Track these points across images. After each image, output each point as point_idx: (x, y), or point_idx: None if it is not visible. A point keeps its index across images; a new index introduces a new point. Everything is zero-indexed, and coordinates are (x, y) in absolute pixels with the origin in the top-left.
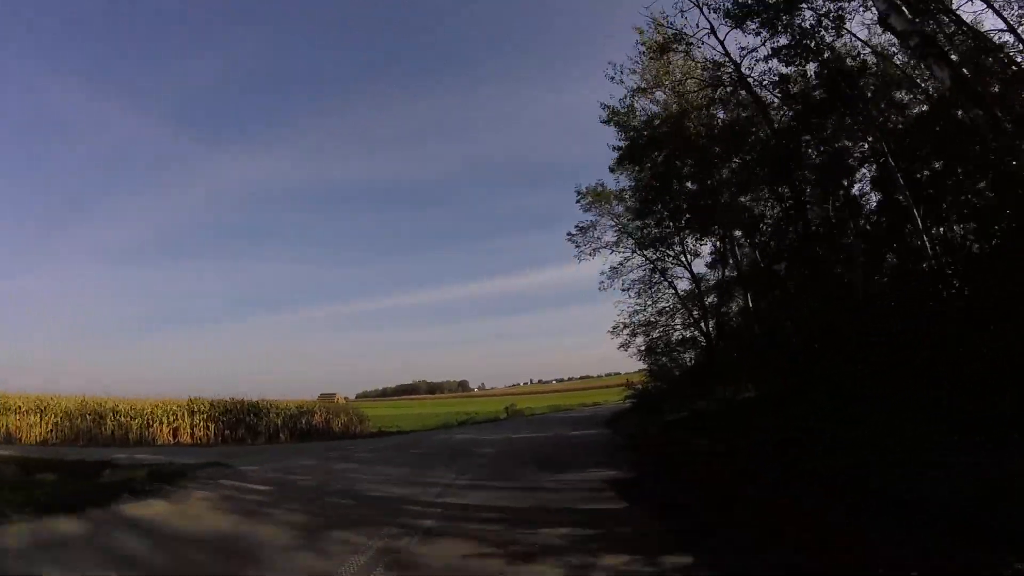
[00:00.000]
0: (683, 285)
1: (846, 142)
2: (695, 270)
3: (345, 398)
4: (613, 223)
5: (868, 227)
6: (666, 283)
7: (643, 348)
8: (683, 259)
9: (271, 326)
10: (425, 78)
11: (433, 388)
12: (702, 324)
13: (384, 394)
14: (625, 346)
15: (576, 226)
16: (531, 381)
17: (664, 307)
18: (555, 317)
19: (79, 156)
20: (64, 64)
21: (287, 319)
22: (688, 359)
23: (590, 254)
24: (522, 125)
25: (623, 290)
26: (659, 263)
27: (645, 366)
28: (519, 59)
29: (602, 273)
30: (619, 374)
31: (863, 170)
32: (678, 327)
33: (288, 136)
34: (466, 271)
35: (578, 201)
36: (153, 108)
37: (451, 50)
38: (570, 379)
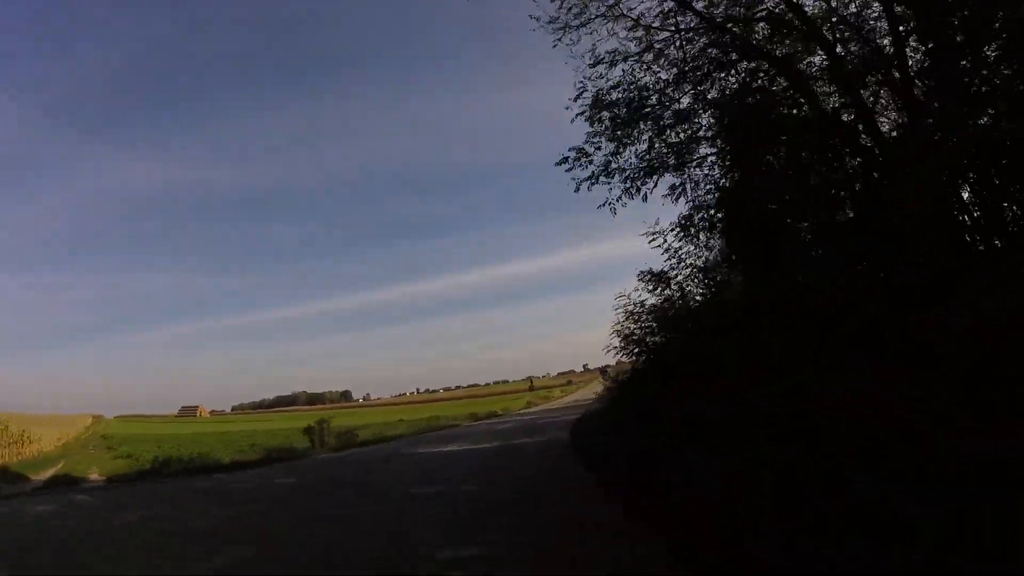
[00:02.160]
0: None
1: None
2: None
3: (211, 412)
4: None
5: None
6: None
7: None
8: None
9: (143, 339)
10: (309, 82)
11: (314, 399)
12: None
13: (261, 406)
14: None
15: None
16: (418, 390)
17: None
18: (440, 327)
19: None
20: None
21: (161, 333)
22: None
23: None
24: (410, 131)
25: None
26: None
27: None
28: (405, 62)
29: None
30: (507, 382)
31: None
32: None
33: (171, 139)
34: (359, 280)
35: None
36: (28, 101)
37: (338, 56)
38: (457, 387)
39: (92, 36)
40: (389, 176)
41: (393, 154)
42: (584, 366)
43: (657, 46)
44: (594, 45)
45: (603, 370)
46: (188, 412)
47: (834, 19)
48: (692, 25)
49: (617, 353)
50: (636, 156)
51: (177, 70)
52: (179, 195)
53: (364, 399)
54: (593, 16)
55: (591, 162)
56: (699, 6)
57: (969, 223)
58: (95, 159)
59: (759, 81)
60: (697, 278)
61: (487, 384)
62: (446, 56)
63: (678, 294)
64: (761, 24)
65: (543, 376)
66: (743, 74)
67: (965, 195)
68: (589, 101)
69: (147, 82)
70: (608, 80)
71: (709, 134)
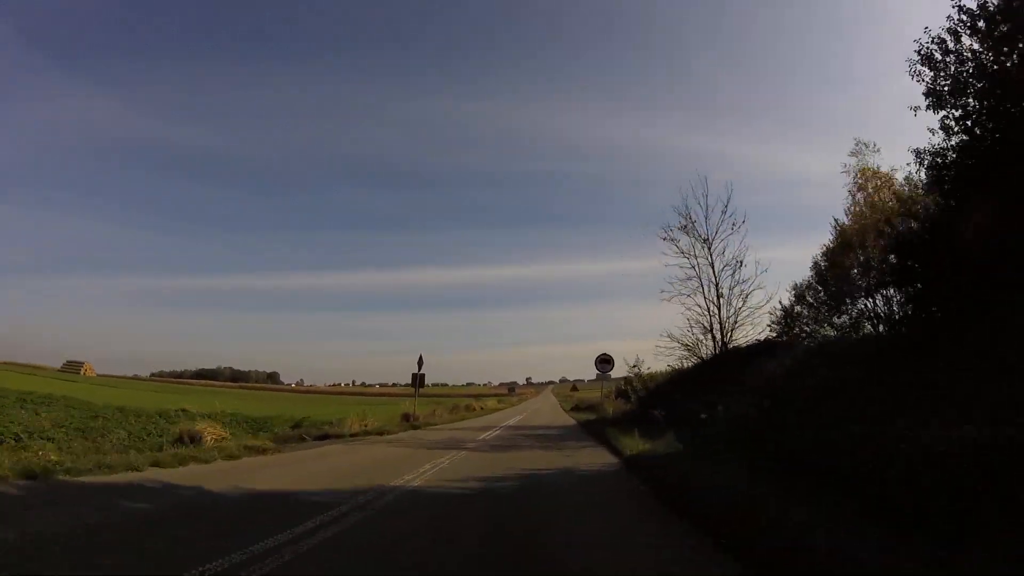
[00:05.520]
0: None
1: None
2: None
3: (98, 375)
4: None
5: None
6: None
7: None
8: None
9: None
10: (300, 59)
11: (237, 376)
12: None
13: (182, 376)
14: None
15: None
16: (353, 383)
17: None
18: (396, 323)
19: None
20: None
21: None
22: None
23: None
24: (385, 124)
25: None
26: None
27: None
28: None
29: None
30: (447, 385)
31: None
32: None
33: (146, 85)
34: (319, 261)
35: None
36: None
37: (324, 37)
38: (394, 384)
39: None
40: (357, 164)
41: (366, 144)
42: (528, 379)
43: None
44: None
45: (604, 359)
46: (72, 368)
47: None
48: None
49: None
50: None
51: (164, 16)
52: (128, 143)
53: (297, 384)
54: None
55: None
56: None
57: None
58: (72, 92)
59: None
60: None
61: (425, 385)
62: (437, 56)
63: None
64: None
65: (484, 384)
66: None
67: None
68: None
69: (131, 22)
70: None
71: None
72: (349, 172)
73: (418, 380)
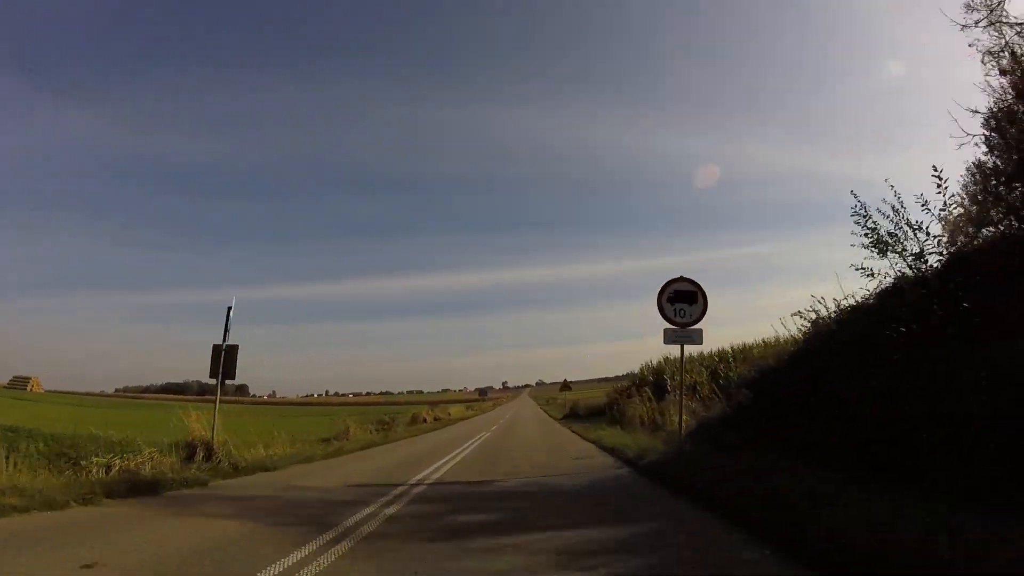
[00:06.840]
0: None
1: None
2: None
3: (46, 391)
4: None
5: None
6: None
7: None
8: None
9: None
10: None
11: (205, 390)
12: None
13: (148, 391)
14: None
15: None
16: (327, 393)
17: None
18: (368, 330)
19: None
20: None
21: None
22: None
23: None
24: (374, 130)
25: None
26: None
27: None
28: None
29: None
30: (422, 392)
31: None
32: None
33: (127, 101)
34: (283, 272)
35: None
36: None
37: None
38: (368, 393)
39: None
40: (344, 172)
41: (353, 151)
42: (504, 383)
43: None
44: None
45: (682, 294)
46: (18, 383)
47: None
48: None
49: None
50: None
51: (148, 28)
52: (113, 157)
53: (269, 396)
54: None
55: None
56: None
57: None
58: (56, 111)
59: None
60: None
61: (399, 392)
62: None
63: None
64: None
65: (460, 390)
66: None
67: None
68: None
69: (114, 36)
70: None
71: None
72: (336, 179)
73: (222, 365)
